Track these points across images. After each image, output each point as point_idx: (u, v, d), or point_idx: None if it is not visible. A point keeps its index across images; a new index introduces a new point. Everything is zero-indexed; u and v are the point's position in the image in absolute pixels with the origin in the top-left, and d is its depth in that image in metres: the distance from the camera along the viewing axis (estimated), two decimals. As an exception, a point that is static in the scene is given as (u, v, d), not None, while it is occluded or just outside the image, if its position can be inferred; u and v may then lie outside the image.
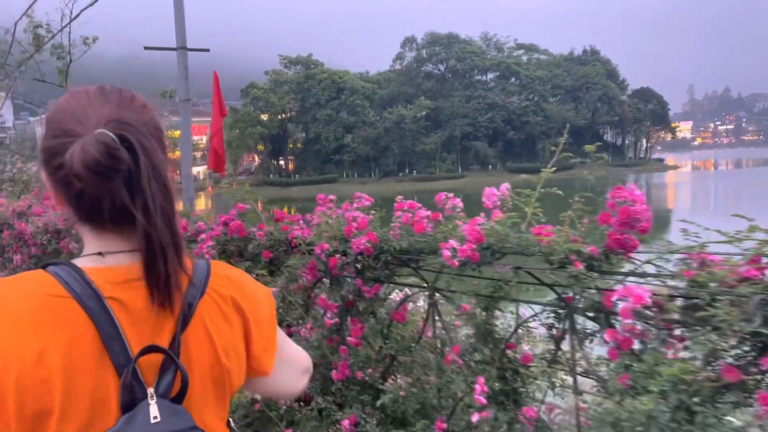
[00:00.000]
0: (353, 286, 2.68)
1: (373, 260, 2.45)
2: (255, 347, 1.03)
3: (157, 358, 0.89)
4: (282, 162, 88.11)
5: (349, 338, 2.68)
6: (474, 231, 1.91)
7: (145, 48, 8.32)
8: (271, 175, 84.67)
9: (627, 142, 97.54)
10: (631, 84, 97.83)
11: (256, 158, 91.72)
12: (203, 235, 3.56)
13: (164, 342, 0.91)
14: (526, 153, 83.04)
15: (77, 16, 8.45)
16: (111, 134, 0.83)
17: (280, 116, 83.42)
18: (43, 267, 0.90)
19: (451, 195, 2.27)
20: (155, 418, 0.85)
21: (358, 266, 2.59)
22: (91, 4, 8.11)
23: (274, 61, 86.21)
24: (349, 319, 2.78)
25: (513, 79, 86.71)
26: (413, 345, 2.66)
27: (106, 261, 0.91)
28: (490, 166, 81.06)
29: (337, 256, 2.59)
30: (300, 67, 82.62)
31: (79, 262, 0.91)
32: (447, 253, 1.98)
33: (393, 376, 2.66)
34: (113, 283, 0.89)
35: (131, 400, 0.86)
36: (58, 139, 0.87)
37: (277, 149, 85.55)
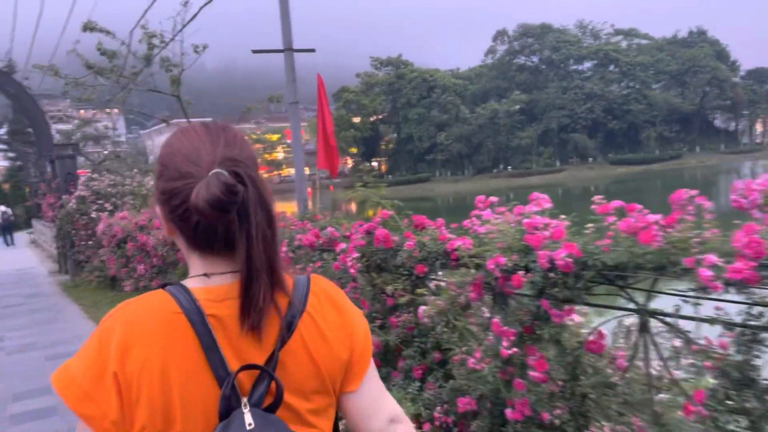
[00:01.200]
0: (534, 307, 2.18)
1: (572, 278, 1.94)
2: (354, 355, 1.08)
3: (254, 371, 0.96)
4: (375, 163, 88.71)
5: (532, 373, 2.18)
6: (755, 243, 1.36)
7: (253, 51, 8.22)
8: (364, 177, 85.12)
9: (741, 127, 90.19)
10: (743, 64, 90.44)
11: (349, 161, 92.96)
12: (344, 245, 3.19)
13: (261, 356, 0.97)
14: (628, 143, 78.79)
15: (190, 21, 8.46)
16: (227, 174, 0.92)
17: (371, 118, 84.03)
18: (162, 287, 1.00)
19: (694, 192, 1.70)
20: (250, 425, 0.91)
21: (544, 284, 2.08)
22: (203, 6, 8.08)
23: (364, 63, 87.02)
24: (526, 347, 2.28)
25: (612, 67, 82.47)
26: (616, 382, 2.12)
27: (209, 281, 0.99)
28: (590, 159, 77.60)
29: (520, 272, 2.10)
30: (390, 68, 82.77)
31: (187, 282, 1.01)
32: (706, 273, 1.44)
33: (596, 421, 2.13)
34: (214, 301, 0.97)
35: (227, 408, 0.93)
36: (176, 182, 0.97)
37: (369, 151, 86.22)
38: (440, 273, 2.58)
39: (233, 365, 0.96)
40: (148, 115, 12.57)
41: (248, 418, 0.93)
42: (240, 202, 0.92)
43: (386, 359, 3.17)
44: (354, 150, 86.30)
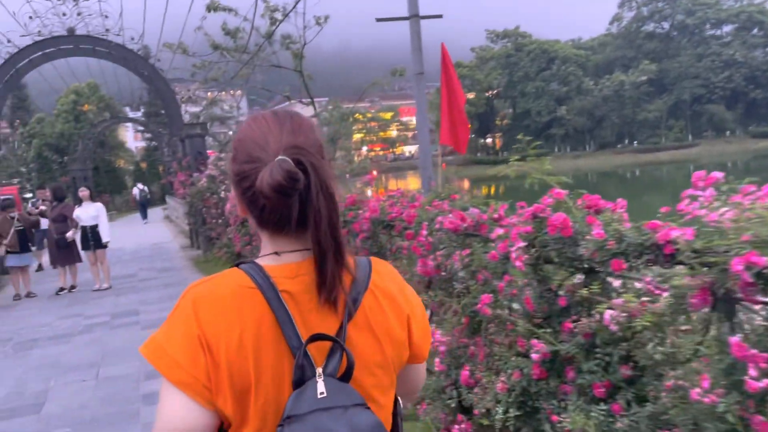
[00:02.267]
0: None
1: None
2: (415, 336, 1.16)
3: (324, 345, 1.02)
4: (489, 140, 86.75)
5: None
6: None
7: (377, 20, 7.80)
8: (478, 154, 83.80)
9: None
10: None
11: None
12: (500, 231, 2.67)
13: (331, 330, 1.04)
14: (773, 114, 71.20)
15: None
16: (290, 161, 0.99)
17: (486, 93, 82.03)
18: (236, 265, 1.07)
19: None
20: (322, 393, 0.97)
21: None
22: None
23: (479, 38, 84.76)
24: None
25: (756, 30, 74.47)
26: None
27: (280, 259, 1.07)
28: (727, 132, 71.01)
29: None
30: (507, 41, 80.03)
31: (259, 260, 1.08)
32: None
33: None
34: (285, 277, 1.04)
35: (301, 377, 0.99)
36: (246, 165, 1.05)
37: (483, 127, 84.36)
38: (643, 271, 2.00)
39: (305, 338, 1.00)
40: (270, 91, 12.60)
41: (320, 387, 0.98)
42: (302, 187, 0.99)
43: (553, 369, 2.63)
44: (468, 126, 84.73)
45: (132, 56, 14.10)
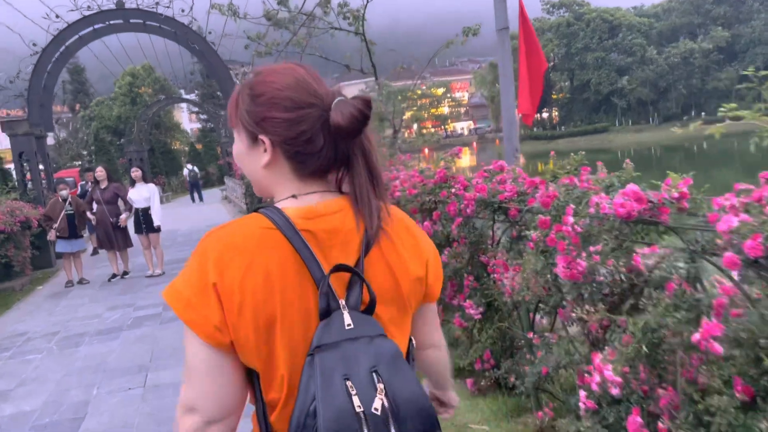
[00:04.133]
0: None
1: None
2: (431, 277, 1.21)
3: (344, 278, 1.06)
4: (545, 114, 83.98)
5: None
6: None
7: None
8: (534, 129, 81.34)
9: None
10: None
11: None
12: (735, 221, 1.68)
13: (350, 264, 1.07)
14: None
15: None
16: (363, 96, 1.07)
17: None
18: (255, 210, 1.10)
19: None
20: (349, 325, 1.01)
21: None
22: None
23: (534, 9, 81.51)
24: None
25: (840, -12, 68.92)
26: None
27: (298, 202, 1.10)
28: (806, 101, 66.22)
29: None
30: (564, 10, 76.72)
31: (279, 204, 1.11)
32: None
33: None
34: (305, 218, 1.07)
35: (327, 308, 1.02)
36: (301, 110, 1.07)
37: (540, 101, 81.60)
38: None
39: (327, 271, 1.04)
40: (328, 59, 11.66)
41: (347, 319, 1.01)
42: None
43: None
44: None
45: (183, 30, 13.41)
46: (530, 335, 3.28)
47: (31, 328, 7.19)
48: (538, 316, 3.45)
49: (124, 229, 9.65)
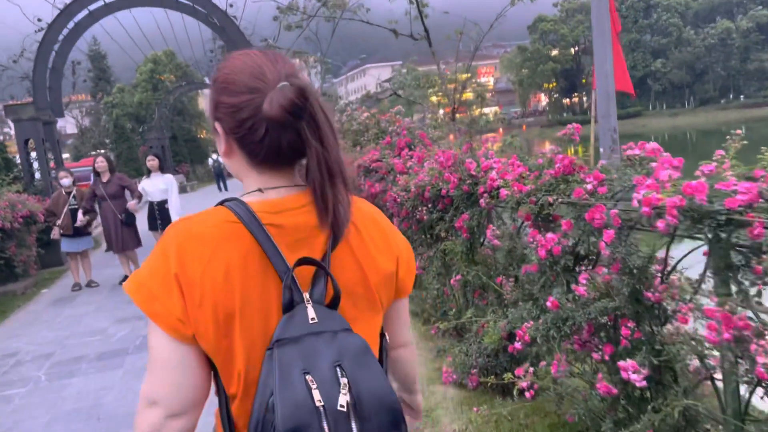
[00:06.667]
0: None
1: None
2: (401, 272, 1.18)
3: (309, 271, 1.04)
4: (575, 99, 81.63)
5: None
6: None
7: None
8: (564, 114, 79.18)
9: None
10: None
11: (543, 98, 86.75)
12: None
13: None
14: None
15: None
16: (298, 81, 1.00)
17: (572, 49, 76.94)
18: (220, 203, 1.07)
19: None
20: (313, 319, 0.99)
21: None
22: None
23: (565, -11, 78.78)
24: None
25: None
26: None
27: (264, 195, 1.07)
28: None
29: None
30: (596, -10, 73.98)
31: (244, 197, 1.08)
32: None
33: None
34: (270, 212, 1.04)
35: (290, 302, 1.00)
36: (242, 96, 1.02)
37: (569, 85, 79.35)
38: None
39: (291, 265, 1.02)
40: (372, 24, 10.31)
41: (311, 312, 0.99)
42: (308, 110, 0.98)
43: None
44: (551, 85, 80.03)
45: (201, 1, 12.19)
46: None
47: (23, 347, 6.05)
48: (756, 396, 2.14)
49: (134, 226, 8.40)
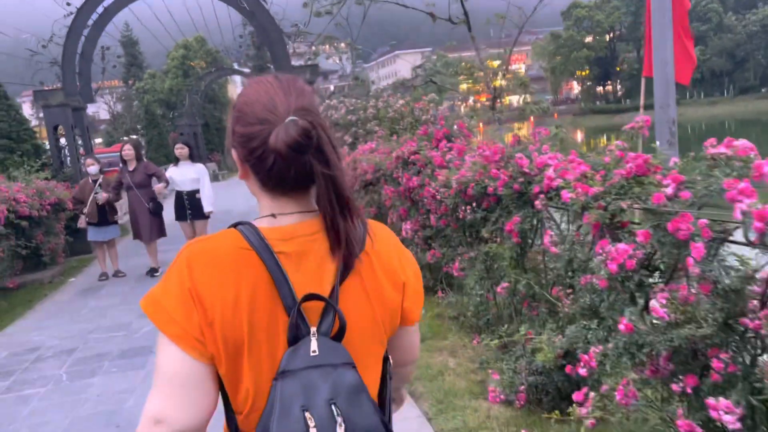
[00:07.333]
0: None
1: None
2: (407, 302, 1.17)
3: (318, 304, 1.04)
4: (609, 87, 79.84)
5: None
6: None
7: None
8: (597, 102, 77.58)
9: None
10: None
11: (575, 86, 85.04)
12: None
13: (325, 291, 1.05)
14: None
15: None
16: (305, 119, 1.00)
17: (607, 36, 75.16)
18: (234, 226, 1.08)
19: None
20: (314, 351, 1.00)
21: None
22: None
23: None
24: None
25: None
26: None
27: (277, 221, 1.08)
28: None
29: None
30: (633, -25, 72.00)
31: (257, 222, 1.09)
32: None
33: None
34: (281, 239, 1.05)
35: (296, 336, 1.01)
36: (255, 127, 1.04)
37: (603, 73, 77.57)
38: None
39: (300, 298, 1.01)
40: (408, 7, 9.92)
41: (313, 345, 1.00)
42: (315, 145, 1.00)
43: None
44: (584, 73, 78.34)
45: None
46: None
47: (46, 341, 5.89)
48: None
49: (160, 216, 8.18)
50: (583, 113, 70.69)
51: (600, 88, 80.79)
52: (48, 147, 11.64)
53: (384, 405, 1.19)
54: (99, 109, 51.05)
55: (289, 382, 0.97)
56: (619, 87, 77.70)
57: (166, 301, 1.00)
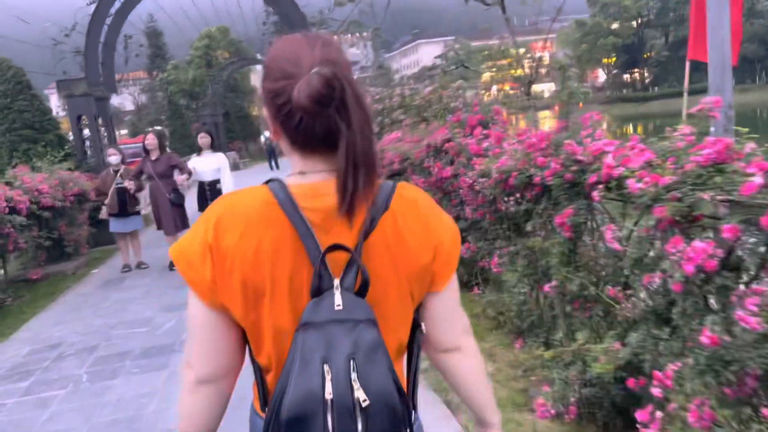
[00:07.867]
0: None
1: None
2: (437, 263, 1.13)
3: (342, 258, 1.03)
4: (636, 74, 78.16)
5: None
6: None
7: None
8: (624, 90, 76.07)
9: None
10: None
11: (601, 73, 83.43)
12: None
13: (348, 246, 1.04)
14: None
15: None
16: (327, 70, 0.97)
17: (635, 22, 73.49)
18: (266, 183, 1.09)
19: None
20: (338, 305, 0.99)
21: None
22: None
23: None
24: None
25: None
26: None
27: (305, 178, 1.08)
28: None
29: None
30: (662, -41, 70.21)
31: (287, 179, 1.10)
32: None
33: None
34: (308, 196, 1.06)
35: (319, 287, 1.01)
36: (281, 81, 1.03)
37: (630, 60, 75.92)
38: None
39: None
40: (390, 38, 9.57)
41: (338, 299, 0.99)
42: (338, 97, 0.97)
43: None
44: (611, 60, 76.81)
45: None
46: None
47: (67, 336, 5.74)
48: None
49: (182, 207, 7.99)
50: (610, 101, 69.31)
51: (627, 76, 79.16)
52: (72, 137, 11.53)
53: (411, 374, 1.18)
54: (124, 101, 51.42)
55: (312, 335, 0.98)
56: (646, 74, 76.02)
57: (189, 248, 1.06)
